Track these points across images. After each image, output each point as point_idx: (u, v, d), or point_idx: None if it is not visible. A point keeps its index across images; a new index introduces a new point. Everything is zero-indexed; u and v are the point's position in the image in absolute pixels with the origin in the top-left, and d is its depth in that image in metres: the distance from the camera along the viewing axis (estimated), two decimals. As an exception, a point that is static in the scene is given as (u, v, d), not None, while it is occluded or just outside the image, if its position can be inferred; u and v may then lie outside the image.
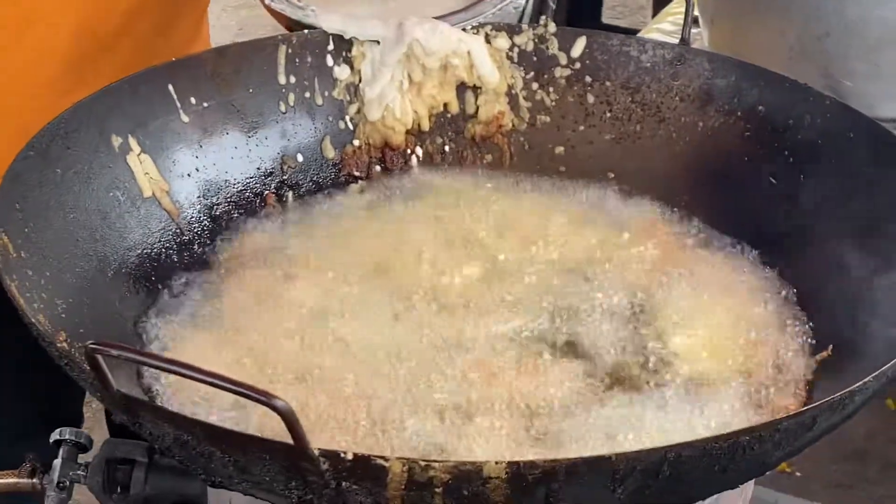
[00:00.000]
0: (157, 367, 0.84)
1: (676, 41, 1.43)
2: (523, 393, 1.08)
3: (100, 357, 0.84)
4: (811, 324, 1.17)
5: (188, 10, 1.57)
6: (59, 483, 1.21)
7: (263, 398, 0.80)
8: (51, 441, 1.23)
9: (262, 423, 1.00)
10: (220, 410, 1.04)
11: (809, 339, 1.16)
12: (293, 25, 1.40)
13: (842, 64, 1.60)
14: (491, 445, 1.02)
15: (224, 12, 4.60)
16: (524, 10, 1.63)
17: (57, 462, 1.22)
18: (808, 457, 0.96)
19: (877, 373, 0.90)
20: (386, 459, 0.82)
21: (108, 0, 1.40)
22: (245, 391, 0.80)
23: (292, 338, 1.14)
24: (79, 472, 1.21)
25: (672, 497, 0.90)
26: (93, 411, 2.23)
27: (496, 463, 0.82)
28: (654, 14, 3.51)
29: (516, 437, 1.03)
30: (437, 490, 0.83)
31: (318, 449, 0.83)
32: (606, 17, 3.93)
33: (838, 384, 1.00)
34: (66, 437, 1.23)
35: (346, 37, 1.36)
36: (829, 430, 0.92)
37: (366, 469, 0.83)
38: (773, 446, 0.87)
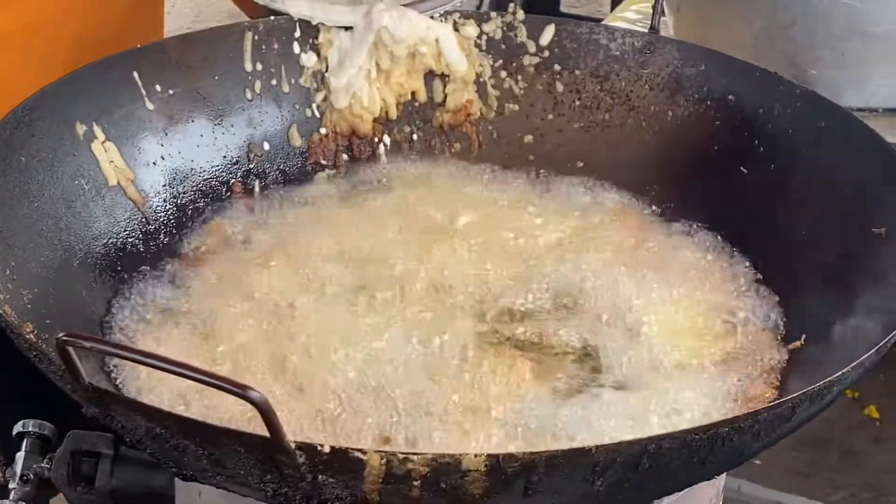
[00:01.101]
0: (130, 359, 0.82)
1: (641, 30, 1.42)
2: (492, 386, 1.07)
3: (71, 349, 0.82)
4: (783, 313, 1.17)
5: (156, 23, 1.58)
6: (22, 476, 1.19)
7: (239, 390, 0.79)
8: (14, 433, 1.21)
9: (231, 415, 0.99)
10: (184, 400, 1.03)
11: (781, 328, 1.15)
12: (259, 11, 1.38)
13: (808, 52, 1.61)
14: (461, 437, 1.01)
15: (179, -2, 4.55)
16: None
17: (20, 455, 1.20)
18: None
19: (855, 363, 0.90)
20: (364, 452, 0.81)
21: (107, 7, 1.39)
22: (220, 383, 0.79)
23: (259, 328, 1.13)
24: (43, 464, 1.19)
25: (651, 488, 0.90)
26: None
27: (475, 456, 0.81)
28: (612, 4, 3.51)
29: (487, 431, 1.02)
30: (414, 483, 0.82)
31: (295, 441, 0.81)
32: (564, 6, 3.92)
33: (813, 374, 1.00)
34: (30, 429, 1.21)
35: (314, 23, 1.35)
36: (806, 421, 0.92)
37: (343, 462, 0.82)
38: (752, 437, 0.87)
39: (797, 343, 1.12)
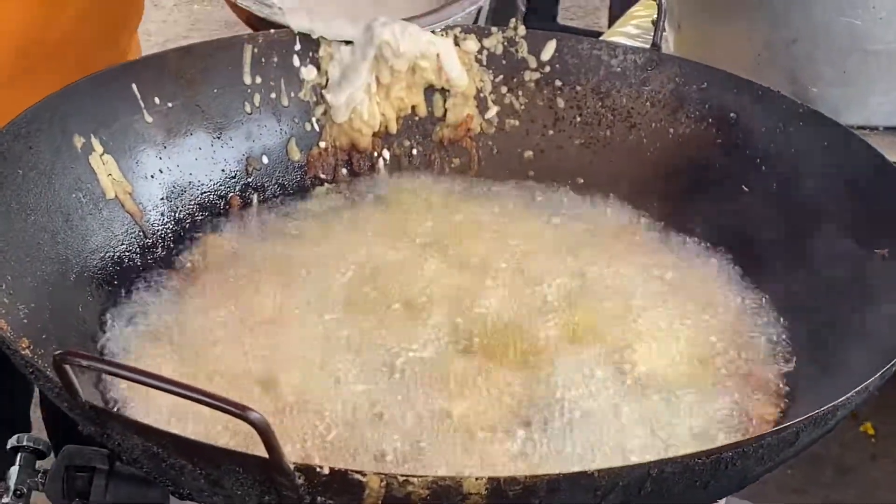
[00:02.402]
0: (127, 378, 0.81)
1: (642, 45, 1.42)
2: (486, 403, 1.06)
3: (68, 367, 0.81)
4: (786, 332, 1.16)
5: (128, 21, 1.55)
6: (15, 491, 1.18)
7: (238, 411, 0.78)
8: (7, 447, 1.20)
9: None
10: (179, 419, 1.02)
11: (784, 348, 1.15)
12: (257, 23, 1.37)
13: (809, 70, 1.60)
14: (457, 456, 1.00)
15: (176, 7, 4.55)
16: (480, 9, 1.61)
17: (14, 469, 1.19)
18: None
19: (859, 387, 0.89)
20: (363, 474, 0.80)
21: (52, 7, 1.37)
22: (219, 404, 0.78)
23: (253, 344, 1.12)
24: (37, 479, 1.18)
25: (653, 512, 0.89)
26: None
27: (476, 479, 0.80)
28: (610, 16, 3.51)
29: (486, 450, 1.01)
30: (414, 505, 0.82)
31: (294, 463, 0.80)
32: (561, 18, 3.92)
33: (816, 396, 0.99)
34: (24, 443, 1.20)
35: (314, 36, 1.34)
36: (809, 445, 0.91)
37: (342, 484, 0.81)
38: (755, 461, 0.86)
39: (797, 363, 1.12)
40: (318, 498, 0.82)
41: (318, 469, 0.81)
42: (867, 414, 2.59)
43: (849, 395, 0.88)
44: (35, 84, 1.34)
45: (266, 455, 0.79)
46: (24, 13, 1.36)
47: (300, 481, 0.81)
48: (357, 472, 0.81)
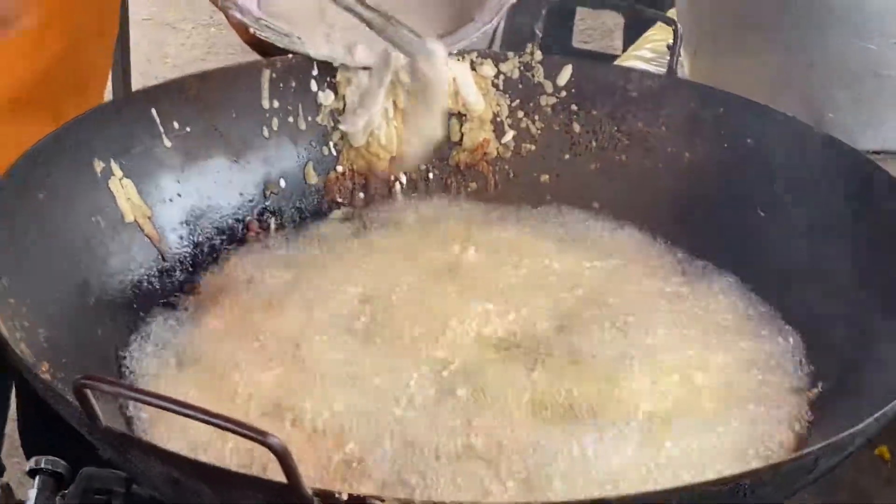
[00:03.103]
0: (147, 403, 0.82)
1: (657, 69, 1.42)
2: (504, 432, 1.05)
3: (88, 392, 0.82)
4: (806, 357, 1.16)
5: (98, 75, 1.56)
6: (34, 513, 1.19)
7: (258, 436, 0.78)
8: (26, 470, 1.20)
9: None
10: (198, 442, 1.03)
11: (804, 373, 1.15)
12: (273, 52, 1.38)
13: (824, 95, 1.61)
14: (469, 485, 1.00)
15: (194, 30, 4.58)
16: (495, 32, 1.61)
17: (32, 492, 1.19)
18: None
19: (878, 414, 0.89)
20: (382, 500, 0.81)
21: (21, 59, 1.38)
22: (238, 429, 0.79)
23: (271, 369, 1.12)
24: (55, 501, 1.19)
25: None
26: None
27: (495, 504, 0.81)
28: (625, 39, 3.52)
29: (497, 475, 1.01)
30: (433, 531, 0.82)
31: (313, 488, 0.81)
32: (576, 42, 3.93)
33: (835, 423, 0.99)
34: (42, 465, 1.21)
35: (335, 64, 1.35)
36: (828, 472, 0.91)
37: (361, 510, 0.81)
38: (773, 489, 0.86)
39: (818, 389, 1.12)
40: (337, 523, 0.82)
41: (336, 495, 0.81)
42: (883, 438, 2.58)
43: (867, 421, 0.88)
44: (27, 117, 1.36)
45: (285, 480, 0.80)
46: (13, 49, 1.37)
47: (319, 507, 0.81)
48: (376, 497, 0.81)
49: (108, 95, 1.59)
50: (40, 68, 1.41)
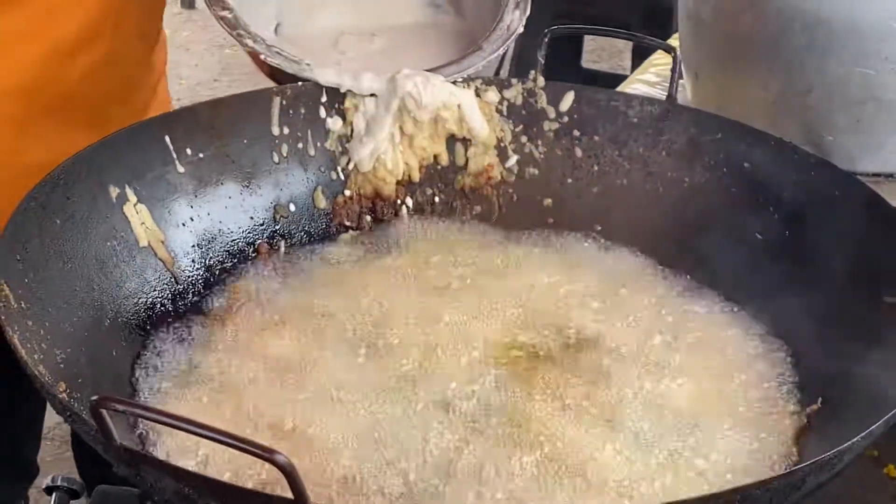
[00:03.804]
0: (160, 422, 0.85)
1: (661, 93, 1.45)
2: (509, 458, 1.07)
3: (104, 411, 0.85)
4: (800, 376, 1.19)
5: (144, 81, 1.59)
6: (50, 529, 1.22)
7: (265, 454, 0.81)
8: (43, 487, 1.24)
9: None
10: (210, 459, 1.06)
11: (797, 392, 1.18)
12: (282, 78, 1.41)
13: (824, 119, 1.63)
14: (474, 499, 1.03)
15: (207, 51, 4.62)
16: (503, 58, 1.62)
17: (48, 508, 1.23)
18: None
19: (865, 432, 0.91)
20: (386, 515, 0.84)
21: (58, 69, 1.42)
22: (247, 447, 0.82)
23: (279, 389, 1.15)
24: (71, 518, 1.22)
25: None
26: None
27: (493, 519, 0.84)
28: (633, 59, 3.54)
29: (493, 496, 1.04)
30: (435, 547, 0.85)
31: (319, 504, 0.84)
32: (585, 62, 3.95)
33: (827, 440, 1.02)
34: (59, 483, 1.24)
35: (342, 90, 1.38)
36: (817, 489, 0.94)
37: (365, 525, 0.84)
38: (763, 505, 0.89)
39: (814, 407, 1.14)
40: (342, 538, 0.85)
41: (341, 510, 0.84)
42: (890, 457, 2.60)
43: (854, 440, 0.91)
44: (38, 137, 1.39)
45: (292, 496, 0.83)
46: (30, 71, 1.40)
47: (324, 522, 0.84)
48: (379, 513, 0.84)
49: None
50: (83, 74, 1.44)
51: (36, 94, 1.42)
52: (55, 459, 2.25)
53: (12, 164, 1.17)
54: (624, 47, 4.37)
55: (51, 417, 1.77)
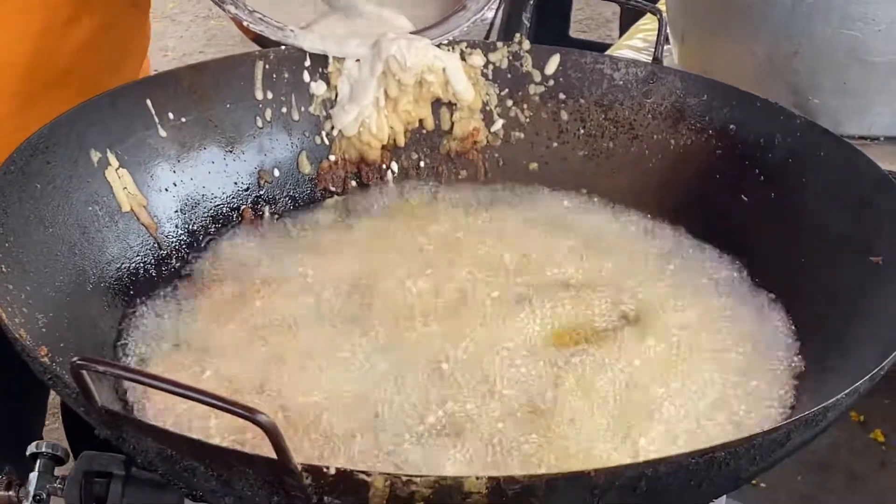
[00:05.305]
0: (142, 383, 0.85)
1: (648, 58, 1.45)
2: (489, 422, 1.07)
3: (85, 373, 0.85)
4: (790, 335, 1.19)
5: (133, 52, 1.58)
6: (35, 496, 1.21)
7: (247, 413, 0.81)
8: (27, 454, 1.23)
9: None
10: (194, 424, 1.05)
11: (788, 350, 1.17)
12: (268, 44, 1.40)
13: (810, 82, 1.63)
14: (458, 454, 1.04)
15: (193, 23, 4.60)
16: (493, 23, 1.62)
17: (33, 475, 1.22)
18: (773, 469, 0.98)
19: (849, 389, 0.91)
20: (368, 475, 0.83)
21: (56, 40, 1.41)
22: (230, 407, 0.81)
23: (262, 352, 1.15)
24: (55, 484, 1.21)
25: (649, 511, 0.91)
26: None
27: (477, 478, 0.83)
28: (621, 28, 3.53)
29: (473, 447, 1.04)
30: (418, 504, 0.84)
31: (301, 463, 0.83)
32: (574, 31, 3.94)
33: (816, 397, 1.01)
34: (43, 449, 1.23)
35: (329, 56, 1.37)
36: (802, 446, 0.94)
37: (348, 484, 0.84)
38: (748, 461, 0.89)
39: (804, 365, 1.14)
40: (326, 498, 0.85)
41: (324, 469, 0.83)
42: (877, 422, 2.60)
43: (838, 396, 0.91)
44: (41, 111, 1.38)
45: (275, 456, 0.82)
46: (28, 44, 1.39)
47: (307, 481, 0.84)
48: (362, 472, 0.83)
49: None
50: (80, 44, 1.43)
51: (36, 68, 1.41)
52: (48, 430, 2.24)
53: (16, 141, 1.17)
54: (612, 16, 4.36)
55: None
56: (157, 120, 1.30)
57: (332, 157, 1.41)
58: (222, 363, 1.13)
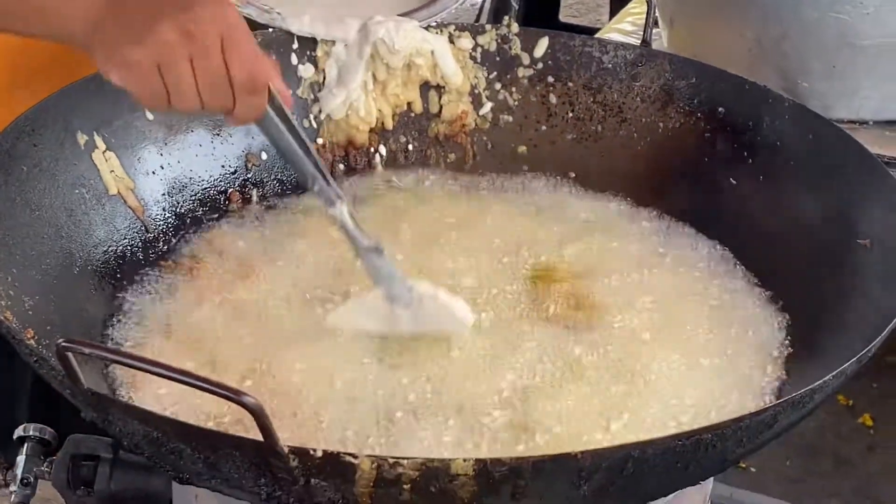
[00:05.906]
0: (127, 365, 0.84)
1: (637, 41, 1.44)
2: (474, 401, 1.07)
3: (70, 355, 0.84)
4: (777, 318, 1.19)
5: None
6: (23, 479, 1.21)
7: (233, 395, 0.81)
8: (14, 437, 1.23)
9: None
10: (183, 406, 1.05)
11: (775, 333, 1.18)
12: (256, 26, 1.39)
13: (799, 65, 1.62)
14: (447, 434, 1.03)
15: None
16: (482, 7, 1.61)
17: (20, 458, 1.22)
18: (761, 452, 0.98)
19: (835, 372, 0.91)
20: (355, 457, 0.83)
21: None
22: (216, 389, 0.81)
23: (250, 334, 1.15)
24: (43, 468, 1.21)
25: (636, 493, 0.91)
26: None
27: (464, 460, 0.83)
28: (611, 13, 3.51)
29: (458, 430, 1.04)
30: (405, 487, 0.84)
31: (288, 446, 0.83)
32: (563, 16, 3.92)
33: (804, 380, 1.02)
34: (31, 433, 1.23)
35: (318, 39, 1.36)
36: (789, 428, 0.94)
37: (335, 466, 0.84)
38: (734, 443, 0.89)
39: (792, 348, 1.15)
40: (312, 480, 0.85)
41: (311, 452, 0.83)
42: (865, 406, 2.61)
43: (825, 379, 0.91)
44: (27, 96, 1.37)
45: (261, 439, 0.82)
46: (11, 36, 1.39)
47: (294, 463, 0.84)
48: (349, 454, 0.84)
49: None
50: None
51: (21, 56, 1.40)
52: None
53: (2, 124, 1.16)
54: (602, 1, 4.34)
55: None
56: (143, 103, 1.29)
57: (320, 141, 1.40)
58: (209, 346, 1.13)
